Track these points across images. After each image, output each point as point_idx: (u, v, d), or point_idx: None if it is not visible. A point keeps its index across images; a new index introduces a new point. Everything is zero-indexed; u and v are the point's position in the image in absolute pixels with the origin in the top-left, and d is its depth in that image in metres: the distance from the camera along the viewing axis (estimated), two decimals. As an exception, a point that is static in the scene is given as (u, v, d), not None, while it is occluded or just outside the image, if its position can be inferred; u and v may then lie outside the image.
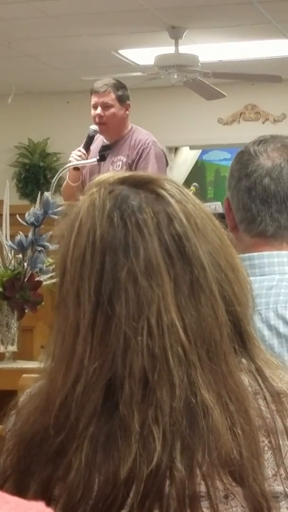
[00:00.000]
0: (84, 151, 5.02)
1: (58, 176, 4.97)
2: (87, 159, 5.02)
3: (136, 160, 5.19)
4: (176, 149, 9.64)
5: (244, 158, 1.80)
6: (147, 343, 1.03)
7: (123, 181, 1.11)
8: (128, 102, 5.24)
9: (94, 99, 5.19)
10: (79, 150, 5.03)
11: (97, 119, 5.13)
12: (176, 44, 6.93)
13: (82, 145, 5.08)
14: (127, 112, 5.25)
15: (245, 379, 1.07)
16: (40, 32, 7.04)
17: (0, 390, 2.41)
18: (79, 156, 5.00)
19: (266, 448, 1.05)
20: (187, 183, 9.66)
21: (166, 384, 1.02)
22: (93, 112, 5.19)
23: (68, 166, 4.98)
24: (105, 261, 1.06)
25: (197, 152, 9.98)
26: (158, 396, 1.02)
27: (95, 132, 5.09)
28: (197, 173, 9.99)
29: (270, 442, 1.05)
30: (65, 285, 1.09)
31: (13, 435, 1.10)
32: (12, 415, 1.13)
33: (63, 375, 1.06)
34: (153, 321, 1.03)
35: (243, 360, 1.09)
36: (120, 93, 5.20)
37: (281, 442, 1.06)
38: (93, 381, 1.04)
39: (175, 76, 6.86)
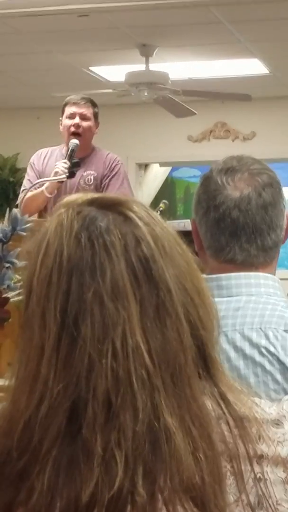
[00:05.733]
0: (69, 163, 5.04)
1: (29, 189, 4.97)
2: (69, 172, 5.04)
3: (106, 175, 5.26)
4: (146, 165, 9.66)
5: (211, 187, 1.77)
6: (111, 365, 1.02)
7: (91, 203, 1.11)
8: (98, 121, 5.34)
9: (72, 109, 5.23)
10: (65, 163, 5.04)
11: (72, 129, 5.17)
12: (147, 62, 6.95)
13: (66, 157, 5.09)
14: (97, 130, 5.34)
15: (209, 404, 1.07)
16: (10, 48, 7.04)
17: None
18: (66, 168, 5.01)
19: (228, 474, 1.05)
20: (157, 200, 9.67)
21: (129, 407, 1.01)
22: (68, 122, 5.22)
23: (39, 181, 4.98)
24: (71, 282, 1.05)
25: (167, 169, 10.01)
26: (121, 420, 1.01)
27: (76, 146, 5.11)
28: (167, 190, 10.02)
29: (232, 467, 1.05)
30: (31, 306, 1.08)
31: None
32: None
33: (27, 396, 1.05)
34: (118, 344, 1.02)
35: (207, 385, 1.08)
36: (96, 110, 5.31)
37: (243, 468, 1.05)
38: (57, 403, 1.03)
39: (146, 94, 6.89)
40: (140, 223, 1.08)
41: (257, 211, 1.75)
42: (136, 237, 1.07)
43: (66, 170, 4.98)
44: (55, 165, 5.06)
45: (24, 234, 3.79)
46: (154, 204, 9.63)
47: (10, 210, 3.96)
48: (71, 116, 5.22)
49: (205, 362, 1.09)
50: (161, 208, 9.00)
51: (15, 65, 7.56)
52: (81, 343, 1.03)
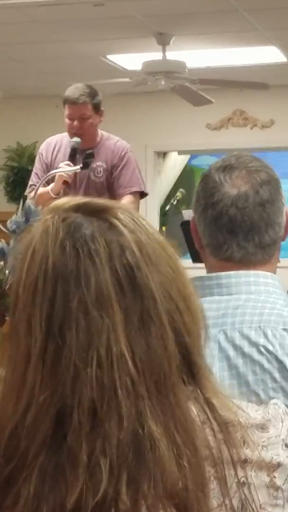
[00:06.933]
0: (72, 164, 4.98)
1: (42, 181, 4.96)
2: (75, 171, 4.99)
3: (116, 165, 5.17)
4: (165, 154, 9.65)
5: (209, 185, 1.77)
6: (96, 374, 1.02)
7: (77, 209, 1.11)
8: (102, 108, 5.19)
9: (70, 110, 5.10)
10: (69, 164, 4.98)
11: (73, 131, 5.07)
12: (164, 50, 6.94)
13: (68, 158, 5.03)
14: (101, 118, 5.19)
15: (193, 409, 1.07)
16: (28, 37, 7.05)
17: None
18: (70, 170, 4.95)
19: (212, 478, 1.05)
20: (176, 188, 9.68)
21: (114, 415, 1.02)
22: (68, 122, 5.11)
23: (52, 173, 4.98)
24: (56, 290, 1.06)
25: (186, 157, 10.00)
26: (106, 428, 1.01)
27: (78, 144, 5.03)
28: (186, 178, 10.00)
29: (216, 472, 1.05)
30: (17, 313, 1.09)
31: None
32: None
33: (13, 403, 1.06)
34: (102, 352, 1.03)
35: (192, 391, 1.09)
36: (95, 101, 5.13)
37: (227, 472, 1.06)
38: (43, 411, 1.04)
39: (162, 82, 6.87)
40: (125, 231, 1.08)
41: (254, 209, 1.74)
42: (120, 245, 1.07)
43: (71, 173, 4.93)
44: (59, 166, 5.00)
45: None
46: (173, 192, 9.65)
47: (23, 202, 3.97)
48: (70, 117, 5.10)
49: (190, 368, 1.09)
50: (178, 197, 9.02)
51: (32, 54, 7.57)
52: (66, 351, 1.04)
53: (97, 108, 5.12)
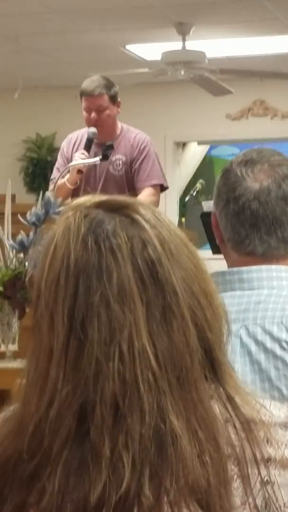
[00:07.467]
0: (87, 154, 4.99)
1: (61, 174, 4.96)
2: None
3: (136, 158, 5.14)
4: (184, 144, 9.64)
5: (231, 179, 1.77)
6: (118, 368, 1.02)
7: (99, 205, 1.11)
8: (119, 99, 5.15)
9: (86, 103, 5.08)
10: (83, 153, 4.95)
11: (91, 124, 5.05)
12: (183, 40, 6.92)
13: (84, 147, 5.01)
14: (119, 109, 5.16)
15: (216, 407, 1.07)
16: (47, 27, 7.05)
17: (1, 389, 2.41)
18: (84, 159, 4.94)
19: (235, 477, 1.05)
20: (195, 178, 9.67)
21: (136, 410, 1.02)
22: (85, 115, 5.09)
23: (72, 165, 4.97)
24: (78, 285, 1.06)
25: (205, 148, 9.98)
26: (128, 422, 1.02)
27: (95, 134, 5.02)
28: (205, 169, 9.98)
29: (239, 470, 1.05)
30: (40, 309, 1.09)
31: None
32: None
33: (37, 399, 1.06)
34: (124, 347, 1.03)
35: (214, 388, 1.09)
36: (112, 92, 5.09)
37: (250, 471, 1.05)
38: (66, 406, 1.04)
39: (182, 73, 6.85)
40: (146, 226, 1.08)
41: (276, 203, 1.74)
42: (142, 240, 1.07)
43: (86, 163, 4.90)
44: (74, 156, 4.98)
45: (57, 217, 3.80)
46: (192, 183, 9.63)
47: (43, 193, 3.97)
48: (87, 110, 5.07)
49: (212, 364, 1.08)
50: (198, 188, 9.00)
51: (51, 44, 7.57)
52: (88, 346, 1.04)
53: (114, 99, 5.09)
